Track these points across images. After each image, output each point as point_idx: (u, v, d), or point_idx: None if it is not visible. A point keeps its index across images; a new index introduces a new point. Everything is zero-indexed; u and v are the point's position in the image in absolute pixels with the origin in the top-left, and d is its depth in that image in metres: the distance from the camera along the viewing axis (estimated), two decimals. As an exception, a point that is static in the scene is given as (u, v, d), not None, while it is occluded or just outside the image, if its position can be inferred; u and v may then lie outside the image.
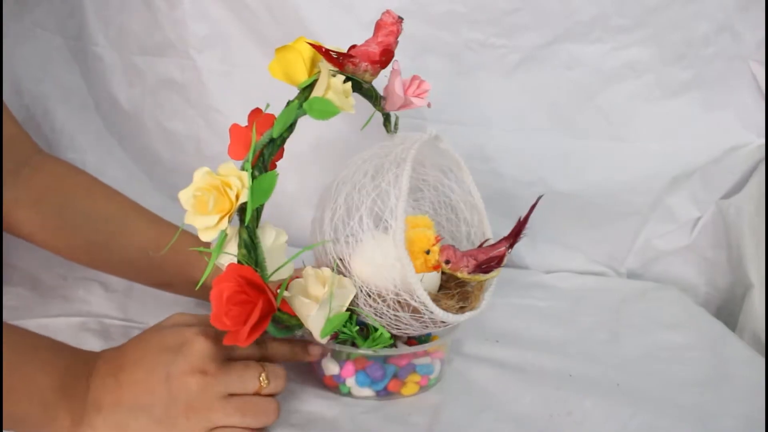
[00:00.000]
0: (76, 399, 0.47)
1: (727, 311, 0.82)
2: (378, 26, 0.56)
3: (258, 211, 0.52)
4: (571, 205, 0.85)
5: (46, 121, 0.92)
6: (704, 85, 0.80)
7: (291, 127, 0.55)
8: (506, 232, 0.89)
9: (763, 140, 0.80)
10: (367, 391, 0.57)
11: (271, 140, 0.54)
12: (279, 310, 0.50)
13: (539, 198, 0.59)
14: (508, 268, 0.90)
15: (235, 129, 0.55)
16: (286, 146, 0.91)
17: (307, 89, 0.55)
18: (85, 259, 0.67)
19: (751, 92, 0.80)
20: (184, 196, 0.51)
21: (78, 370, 0.48)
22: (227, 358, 0.50)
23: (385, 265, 0.53)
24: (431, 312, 0.52)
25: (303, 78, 0.57)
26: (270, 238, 0.52)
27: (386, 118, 0.62)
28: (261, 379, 0.50)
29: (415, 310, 0.53)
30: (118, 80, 0.90)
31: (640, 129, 0.82)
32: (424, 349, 0.57)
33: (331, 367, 0.57)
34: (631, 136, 0.82)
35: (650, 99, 0.81)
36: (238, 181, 0.51)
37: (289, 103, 0.56)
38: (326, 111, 0.53)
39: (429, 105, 0.59)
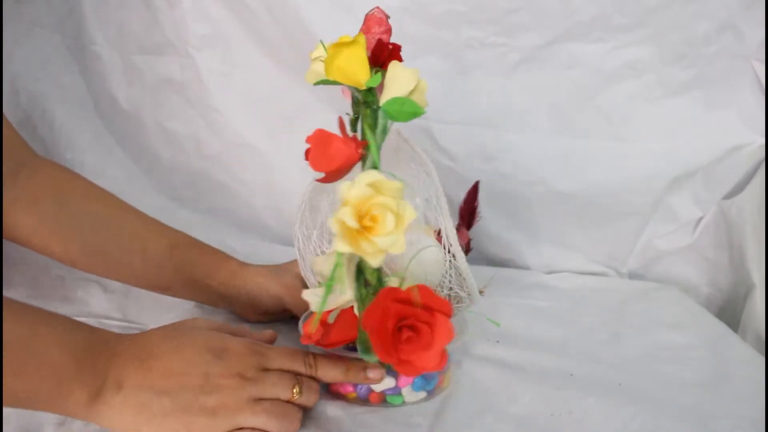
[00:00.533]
0: (94, 376, 0.46)
1: (729, 311, 0.82)
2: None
3: None
4: (572, 205, 0.85)
5: (45, 120, 0.92)
6: (706, 84, 0.80)
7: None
8: (506, 233, 0.89)
9: (764, 140, 0.79)
10: (421, 394, 0.56)
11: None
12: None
13: (477, 182, 0.58)
14: (509, 269, 0.90)
15: (320, 137, 0.52)
16: (285, 146, 0.92)
17: (372, 91, 0.51)
18: (81, 263, 0.67)
19: (753, 91, 0.80)
20: (343, 217, 0.44)
21: (96, 348, 0.47)
22: (265, 368, 0.51)
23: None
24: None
25: (366, 77, 0.50)
26: None
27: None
28: (294, 390, 0.51)
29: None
30: (117, 80, 0.90)
31: (641, 129, 0.82)
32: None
33: (385, 382, 0.55)
34: (632, 136, 0.82)
35: (651, 99, 0.81)
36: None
37: (362, 112, 0.52)
38: (413, 112, 0.49)
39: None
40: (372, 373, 0.53)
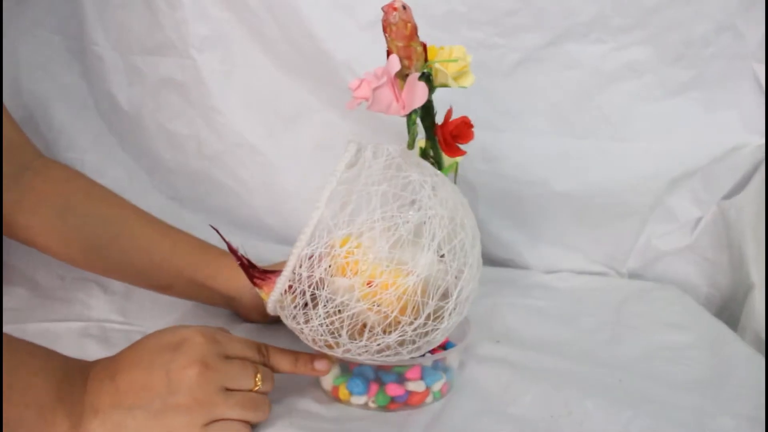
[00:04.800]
0: (73, 404, 0.46)
1: (728, 311, 0.82)
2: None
3: None
4: (571, 205, 0.85)
5: (46, 120, 0.92)
6: (705, 85, 0.80)
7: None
8: (506, 233, 0.89)
9: (763, 140, 0.79)
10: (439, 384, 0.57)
11: None
12: None
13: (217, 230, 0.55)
14: (509, 269, 0.90)
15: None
16: (285, 146, 0.92)
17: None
18: (84, 263, 0.67)
19: (752, 92, 0.80)
20: None
21: (73, 375, 0.48)
22: (225, 355, 0.50)
23: None
24: None
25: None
26: None
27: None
28: (257, 378, 0.51)
29: None
30: (118, 80, 0.90)
31: (640, 129, 0.82)
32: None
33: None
34: (632, 137, 0.82)
35: (651, 99, 0.81)
36: None
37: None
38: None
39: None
40: (318, 365, 0.54)
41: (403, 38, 0.55)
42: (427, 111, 0.60)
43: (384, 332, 0.49)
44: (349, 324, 0.49)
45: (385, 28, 0.55)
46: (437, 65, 0.57)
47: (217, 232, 0.55)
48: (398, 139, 0.83)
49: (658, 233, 0.86)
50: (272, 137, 0.89)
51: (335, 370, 0.56)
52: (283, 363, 0.54)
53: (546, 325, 0.73)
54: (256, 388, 0.51)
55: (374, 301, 0.49)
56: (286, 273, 0.50)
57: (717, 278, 0.85)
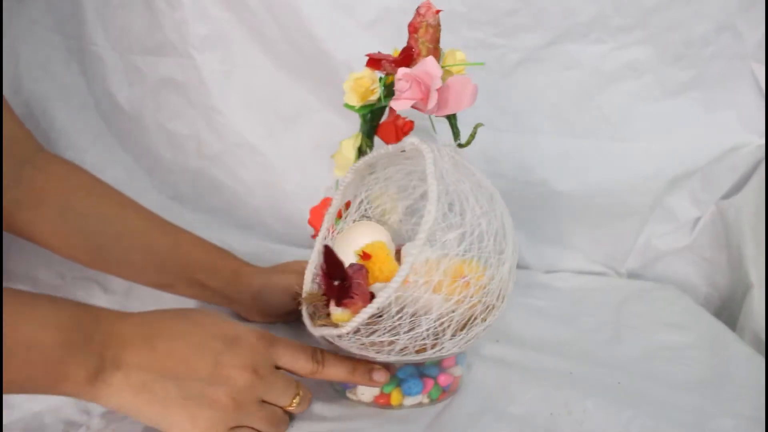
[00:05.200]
0: (89, 355, 0.44)
1: (726, 311, 0.82)
2: None
3: None
4: (571, 206, 0.85)
5: (46, 120, 0.92)
6: (704, 85, 0.80)
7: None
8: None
9: (762, 140, 0.80)
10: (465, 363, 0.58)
11: None
12: None
13: (326, 247, 0.51)
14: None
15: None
16: (285, 146, 0.92)
17: None
18: (86, 259, 0.67)
19: (751, 92, 0.80)
20: None
21: (87, 325, 0.45)
22: (275, 364, 0.50)
23: None
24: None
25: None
26: None
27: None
28: (294, 399, 0.51)
29: None
30: (118, 80, 0.90)
31: (640, 129, 0.82)
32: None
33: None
34: (632, 137, 0.83)
35: (650, 99, 0.81)
36: None
37: None
38: None
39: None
40: (377, 376, 0.53)
41: (434, 40, 0.56)
42: (382, 111, 0.62)
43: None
44: (458, 321, 0.49)
45: (418, 29, 0.56)
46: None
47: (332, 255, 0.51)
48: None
49: (658, 233, 0.86)
50: (272, 137, 0.89)
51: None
52: (339, 372, 0.52)
53: (546, 324, 0.73)
54: (289, 407, 0.51)
55: (483, 294, 0.50)
56: (393, 286, 0.47)
57: (716, 278, 0.85)
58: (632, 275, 0.89)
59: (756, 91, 0.79)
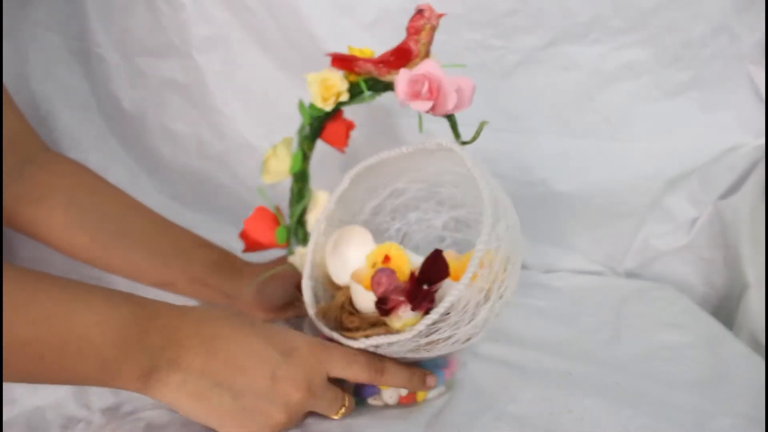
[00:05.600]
0: (144, 354, 0.44)
1: (724, 311, 0.83)
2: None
3: None
4: (570, 206, 0.86)
5: (48, 121, 0.92)
6: (702, 85, 0.80)
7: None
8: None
9: (759, 141, 0.80)
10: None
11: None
12: None
13: (437, 251, 0.51)
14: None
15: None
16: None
17: None
18: (88, 257, 0.68)
19: (748, 93, 0.80)
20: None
21: (144, 324, 0.44)
22: (328, 377, 0.50)
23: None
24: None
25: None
26: None
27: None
28: (339, 412, 0.51)
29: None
30: (120, 81, 0.90)
31: (638, 130, 0.83)
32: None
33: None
34: (630, 137, 0.83)
35: (648, 100, 0.82)
36: None
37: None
38: None
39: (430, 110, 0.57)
40: (430, 380, 0.54)
41: (430, 42, 0.56)
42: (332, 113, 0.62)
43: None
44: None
45: (420, 30, 0.56)
46: None
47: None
48: (396, 140, 0.84)
49: (656, 233, 0.87)
50: (273, 138, 0.89)
51: None
52: (399, 378, 0.52)
53: (545, 324, 0.73)
54: (332, 417, 0.51)
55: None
56: (465, 282, 0.47)
57: (713, 278, 0.85)
58: (630, 275, 0.89)
59: (753, 91, 0.80)
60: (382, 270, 0.51)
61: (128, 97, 0.90)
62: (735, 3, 0.76)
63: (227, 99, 0.88)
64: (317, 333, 0.58)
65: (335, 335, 0.50)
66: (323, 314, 0.54)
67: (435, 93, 0.54)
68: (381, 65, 0.57)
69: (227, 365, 0.45)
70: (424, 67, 0.54)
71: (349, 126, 0.62)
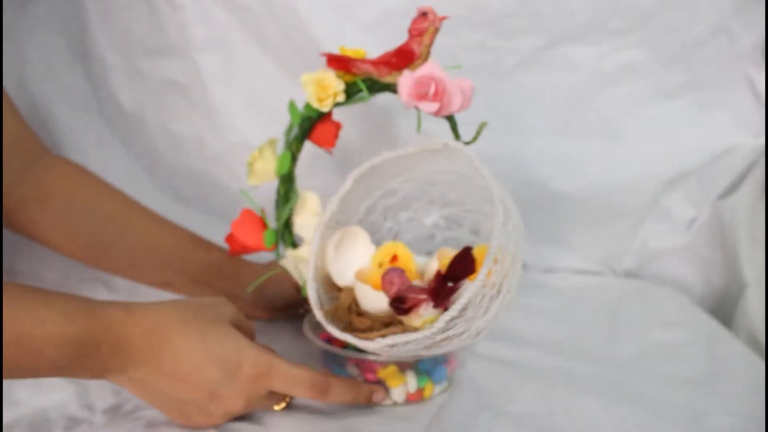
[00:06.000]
0: (94, 362, 0.46)
1: (722, 310, 0.83)
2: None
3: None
4: (569, 206, 0.86)
5: (49, 121, 0.92)
6: (700, 86, 0.81)
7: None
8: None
9: (758, 141, 0.80)
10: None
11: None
12: None
13: (467, 248, 0.51)
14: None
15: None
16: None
17: None
18: (89, 259, 0.68)
19: (746, 94, 0.80)
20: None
21: (96, 335, 0.46)
22: (270, 392, 0.51)
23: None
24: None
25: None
26: None
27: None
28: (280, 405, 0.54)
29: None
30: (120, 82, 0.90)
31: (637, 130, 0.83)
32: (351, 356, 0.56)
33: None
34: (629, 138, 0.83)
35: (647, 100, 0.82)
36: None
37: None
38: None
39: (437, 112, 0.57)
40: (377, 396, 0.55)
41: (431, 44, 0.57)
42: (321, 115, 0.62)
43: None
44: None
45: (423, 32, 0.56)
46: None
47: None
48: (395, 141, 0.84)
49: (654, 233, 0.87)
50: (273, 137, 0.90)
51: (412, 378, 0.56)
52: (345, 396, 0.53)
53: (544, 323, 0.74)
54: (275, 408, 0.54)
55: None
56: (481, 278, 0.48)
57: (711, 277, 0.85)
58: (629, 275, 0.89)
59: (751, 92, 0.80)
60: (393, 270, 0.51)
61: (128, 97, 0.90)
62: (734, 3, 0.77)
63: (227, 99, 0.88)
64: (318, 333, 0.58)
65: (348, 337, 0.51)
66: (331, 316, 0.54)
67: (441, 94, 0.55)
68: (382, 66, 0.57)
69: (170, 378, 0.48)
70: (427, 69, 0.55)
71: (338, 127, 0.62)
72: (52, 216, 0.65)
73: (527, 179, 0.85)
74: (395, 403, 0.56)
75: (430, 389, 0.57)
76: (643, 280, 0.88)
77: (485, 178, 0.53)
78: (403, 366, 0.55)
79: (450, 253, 0.53)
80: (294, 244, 0.64)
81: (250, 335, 0.54)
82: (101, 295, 0.75)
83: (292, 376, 0.51)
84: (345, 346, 0.55)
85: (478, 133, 0.57)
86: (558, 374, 0.62)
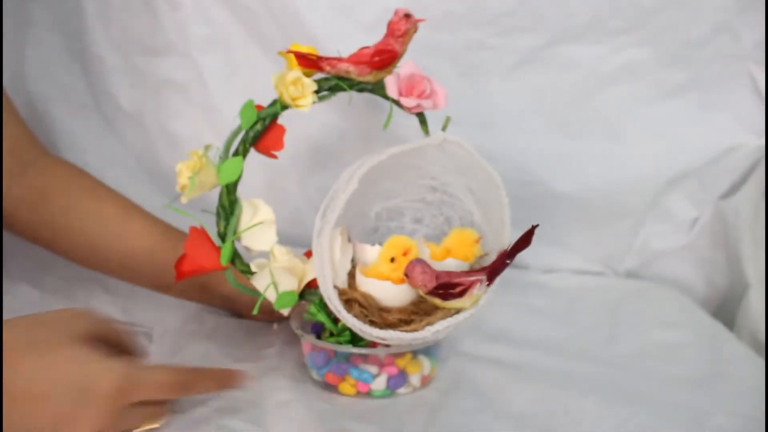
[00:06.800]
0: None
1: (724, 311, 0.82)
2: (387, 26, 0.58)
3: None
4: (569, 206, 0.85)
5: (46, 120, 0.92)
6: (702, 86, 0.81)
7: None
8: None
9: (760, 141, 0.80)
10: (314, 374, 0.58)
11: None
12: None
13: (533, 227, 0.54)
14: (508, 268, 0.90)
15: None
16: (285, 146, 0.92)
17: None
18: (86, 261, 0.68)
19: (748, 93, 0.80)
20: None
21: None
22: (132, 403, 0.47)
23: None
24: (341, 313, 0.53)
25: None
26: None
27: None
28: (157, 421, 0.49)
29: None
30: (119, 81, 0.90)
31: (638, 130, 0.83)
32: (359, 352, 0.55)
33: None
34: (630, 137, 0.83)
35: (648, 100, 0.82)
36: None
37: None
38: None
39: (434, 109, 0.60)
40: (236, 377, 0.52)
41: (407, 44, 0.58)
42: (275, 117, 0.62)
43: None
44: None
45: (405, 33, 0.57)
46: None
47: None
48: (394, 140, 0.84)
49: (655, 233, 0.86)
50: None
51: (426, 362, 0.58)
52: (209, 385, 0.51)
53: (544, 324, 0.73)
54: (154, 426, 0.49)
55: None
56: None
57: (713, 278, 0.85)
58: (630, 275, 0.89)
59: (753, 92, 0.80)
60: (417, 261, 0.53)
61: (127, 97, 0.90)
62: (735, 2, 0.77)
63: (227, 99, 0.88)
64: (308, 331, 0.59)
65: (395, 335, 0.52)
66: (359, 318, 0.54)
67: (433, 92, 0.58)
68: (364, 66, 0.57)
69: (21, 401, 0.43)
70: (408, 68, 0.57)
71: (284, 130, 0.62)
72: (49, 218, 0.65)
73: (527, 179, 0.85)
74: (414, 389, 0.58)
75: (435, 369, 0.59)
76: (644, 280, 0.88)
77: (486, 170, 0.60)
78: (414, 352, 0.57)
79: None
80: (243, 263, 0.59)
81: (118, 342, 0.50)
82: (100, 297, 0.74)
83: (153, 382, 0.47)
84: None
85: (444, 127, 0.59)
86: (558, 374, 0.61)
